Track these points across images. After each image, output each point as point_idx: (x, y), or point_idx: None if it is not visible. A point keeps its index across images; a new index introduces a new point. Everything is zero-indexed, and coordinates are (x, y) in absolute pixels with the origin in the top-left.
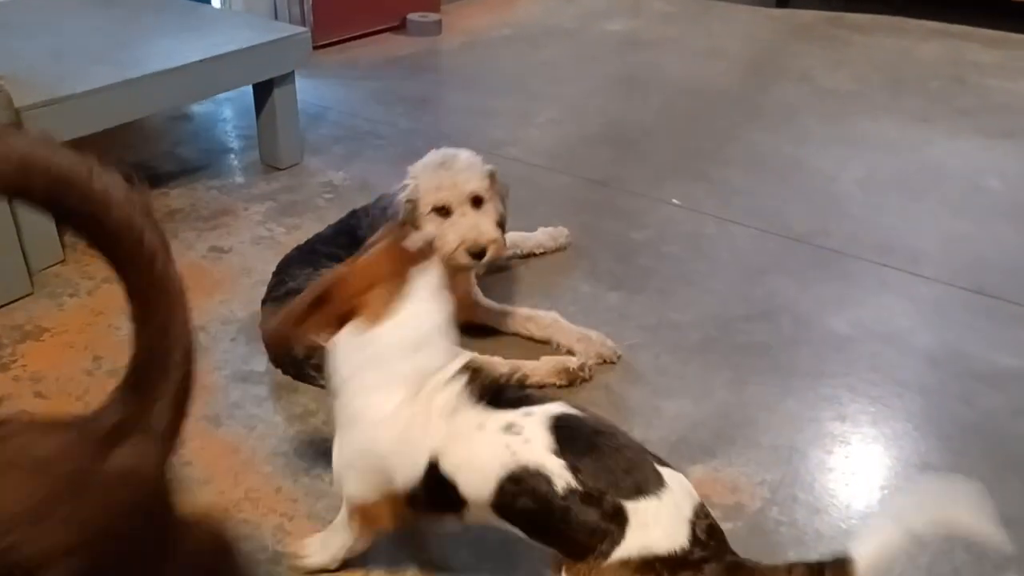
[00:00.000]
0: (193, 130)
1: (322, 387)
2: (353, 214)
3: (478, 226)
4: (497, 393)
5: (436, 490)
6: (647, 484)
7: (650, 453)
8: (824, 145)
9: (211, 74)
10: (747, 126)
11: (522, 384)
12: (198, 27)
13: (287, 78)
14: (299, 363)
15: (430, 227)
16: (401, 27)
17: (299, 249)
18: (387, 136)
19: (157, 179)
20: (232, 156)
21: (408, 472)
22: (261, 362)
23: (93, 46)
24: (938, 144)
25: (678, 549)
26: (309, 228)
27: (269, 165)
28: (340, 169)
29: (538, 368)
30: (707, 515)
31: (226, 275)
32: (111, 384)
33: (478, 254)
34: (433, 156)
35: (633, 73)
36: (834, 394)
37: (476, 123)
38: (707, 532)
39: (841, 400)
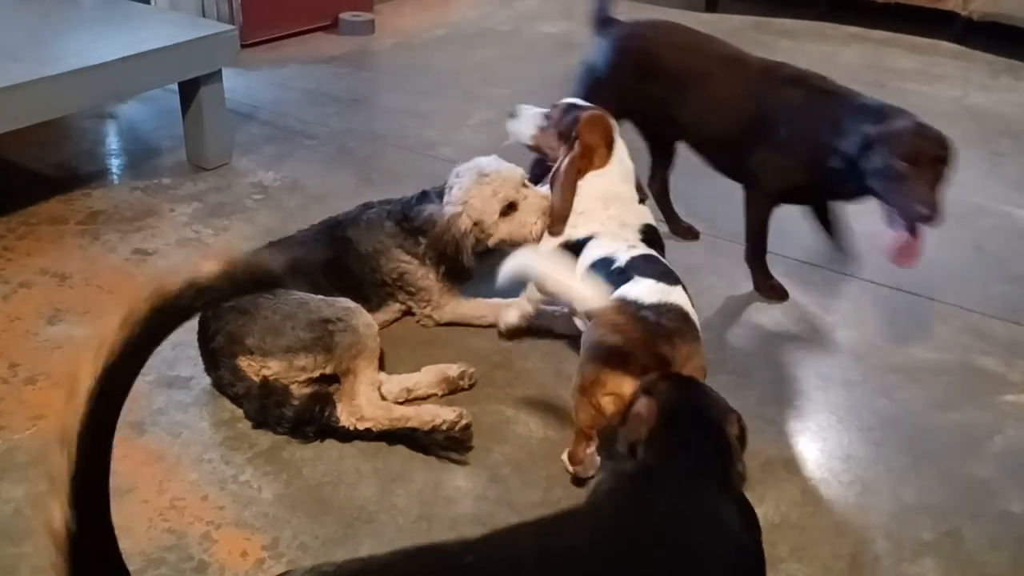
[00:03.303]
0: (117, 129)
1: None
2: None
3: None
4: (656, 250)
5: None
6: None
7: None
8: None
9: (133, 72)
10: None
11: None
12: (121, 24)
13: (214, 76)
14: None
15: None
16: (333, 26)
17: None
18: (319, 136)
19: (79, 179)
20: (157, 156)
21: None
22: (187, 367)
23: (10, 43)
24: None
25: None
26: (238, 229)
27: (196, 165)
28: (270, 169)
29: (420, 380)
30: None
31: (150, 278)
32: (28, 391)
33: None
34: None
35: (567, 75)
36: (760, 389)
37: (409, 124)
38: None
39: (767, 395)
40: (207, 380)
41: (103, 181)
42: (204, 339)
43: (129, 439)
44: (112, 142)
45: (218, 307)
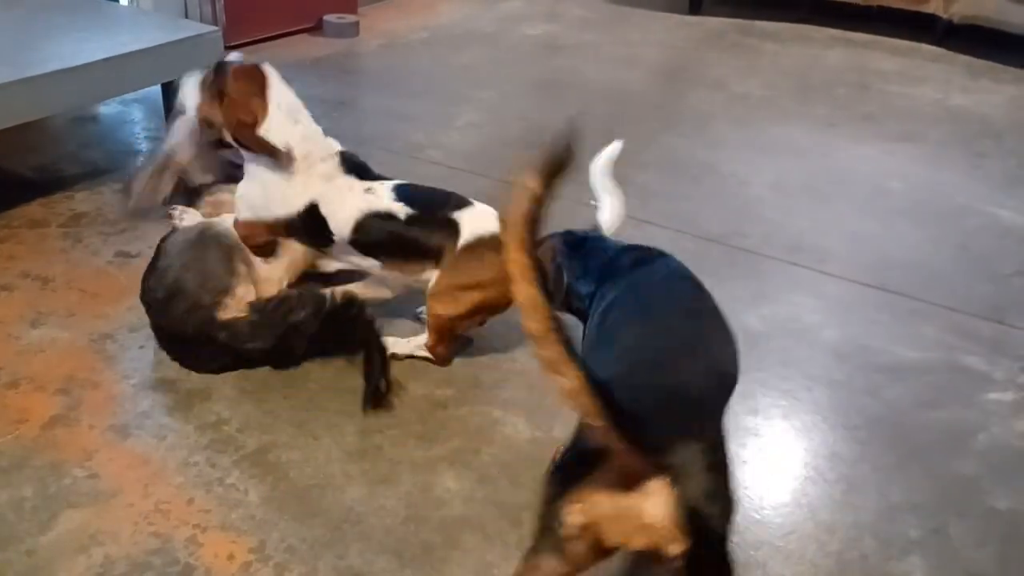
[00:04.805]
0: (100, 131)
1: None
2: None
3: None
4: (362, 171)
5: (314, 226)
6: (462, 204)
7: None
8: (737, 150)
9: (116, 74)
10: (663, 131)
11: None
12: (104, 26)
13: None
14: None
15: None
16: (317, 28)
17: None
18: None
19: (62, 182)
20: (140, 158)
21: (285, 209)
22: (171, 369)
23: None
24: (844, 148)
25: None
26: None
27: None
28: None
29: None
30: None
31: (134, 281)
32: (10, 395)
33: None
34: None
35: (552, 77)
36: (747, 389)
37: (396, 126)
38: None
39: (754, 395)
40: (192, 383)
41: (85, 184)
42: (180, 347)
43: (114, 443)
44: (95, 144)
45: (154, 323)
